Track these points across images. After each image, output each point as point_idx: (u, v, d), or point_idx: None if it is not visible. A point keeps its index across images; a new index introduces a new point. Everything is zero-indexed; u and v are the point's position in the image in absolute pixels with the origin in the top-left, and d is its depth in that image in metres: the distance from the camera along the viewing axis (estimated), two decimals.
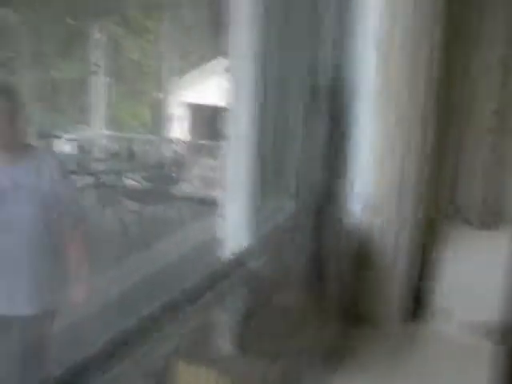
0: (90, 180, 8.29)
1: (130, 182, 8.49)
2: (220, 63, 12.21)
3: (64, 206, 2.89)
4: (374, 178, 1.58)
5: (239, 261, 1.31)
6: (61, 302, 2.90)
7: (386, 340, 1.56)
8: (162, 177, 8.31)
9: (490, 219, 1.67)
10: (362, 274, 1.58)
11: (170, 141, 9.84)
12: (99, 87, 10.85)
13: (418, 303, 1.68)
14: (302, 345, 1.29)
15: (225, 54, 1.82)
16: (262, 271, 1.31)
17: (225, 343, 1.25)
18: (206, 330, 1.27)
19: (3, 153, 2.76)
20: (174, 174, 8.40)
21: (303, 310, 1.29)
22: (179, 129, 12.80)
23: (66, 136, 9.63)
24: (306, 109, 1.71)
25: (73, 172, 5.41)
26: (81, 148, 7.74)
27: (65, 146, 9.37)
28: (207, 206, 7.84)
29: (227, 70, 1.87)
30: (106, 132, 10.68)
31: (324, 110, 1.71)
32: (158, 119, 11.39)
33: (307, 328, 1.29)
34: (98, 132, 10.49)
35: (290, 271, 1.39)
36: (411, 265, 1.61)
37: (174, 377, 1.09)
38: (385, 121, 1.51)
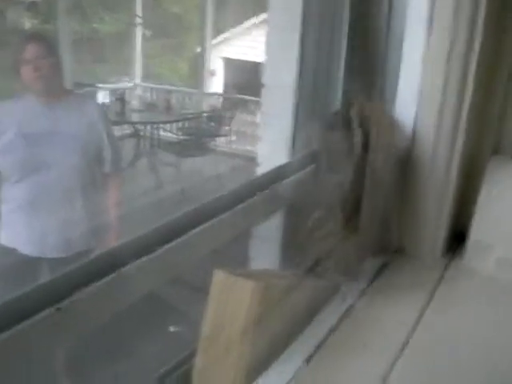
0: (127, 130, 8.36)
1: (166, 134, 8.53)
2: (260, 19, 12.10)
3: (102, 150, 2.92)
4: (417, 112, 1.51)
5: (277, 174, 1.28)
6: (95, 244, 2.95)
7: (422, 272, 1.51)
8: (199, 130, 8.30)
9: None
10: (405, 205, 1.53)
11: (208, 95, 9.79)
12: (140, 40, 10.82)
13: (460, 239, 1.62)
14: (336, 262, 1.26)
15: (265, 8, 1.76)
16: (300, 187, 1.28)
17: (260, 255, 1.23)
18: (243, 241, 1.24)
19: (43, 97, 2.80)
20: (211, 128, 8.37)
21: (340, 229, 1.25)
22: (218, 83, 12.76)
23: (106, 86, 9.68)
24: (347, 46, 1.65)
25: (111, 121, 5.42)
26: (120, 99, 7.73)
27: (104, 96, 9.42)
28: (244, 160, 7.88)
29: (266, 21, 1.83)
30: (145, 84, 10.69)
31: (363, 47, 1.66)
32: (196, 73, 11.33)
33: (343, 246, 1.26)
34: (137, 83, 10.50)
35: (327, 196, 1.34)
36: (455, 198, 1.55)
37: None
38: (434, 46, 1.43)
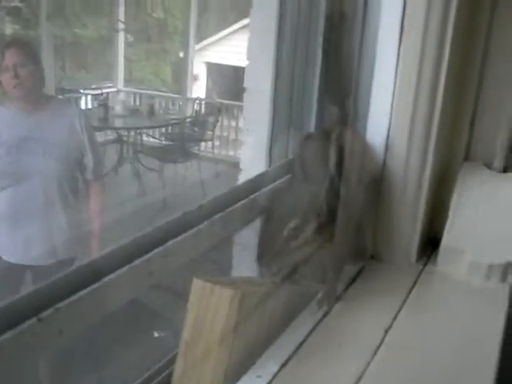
0: (110, 136, 8.37)
1: (149, 140, 8.55)
2: (242, 24, 12.15)
3: (84, 157, 2.93)
4: (390, 114, 1.55)
5: (255, 183, 1.32)
6: (78, 252, 2.96)
7: (396, 277, 1.56)
8: (182, 135, 8.33)
9: None
10: (380, 209, 1.57)
11: (191, 100, 9.82)
12: (123, 45, 10.83)
13: (434, 245, 1.67)
14: (312, 270, 1.30)
15: (247, 13, 1.81)
16: (276, 196, 1.32)
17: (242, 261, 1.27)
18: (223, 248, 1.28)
19: (22, 104, 2.81)
20: (194, 133, 8.40)
21: (315, 238, 1.29)
22: (201, 88, 12.79)
23: (89, 92, 9.68)
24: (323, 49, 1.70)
25: (94, 127, 5.44)
26: (103, 104, 7.75)
27: (87, 101, 9.42)
28: (227, 165, 7.93)
29: (249, 27, 1.88)
30: (128, 89, 10.71)
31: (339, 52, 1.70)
32: (179, 78, 11.36)
33: (319, 254, 1.30)
34: (120, 89, 10.51)
35: (302, 205, 1.38)
36: (428, 205, 1.60)
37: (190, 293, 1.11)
38: (405, 57, 1.48)
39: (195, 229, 1.11)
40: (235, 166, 1.89)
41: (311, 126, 1.77)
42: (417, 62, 1.48)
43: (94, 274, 0.92)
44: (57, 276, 0.89)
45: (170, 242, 1.04)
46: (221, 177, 7.53)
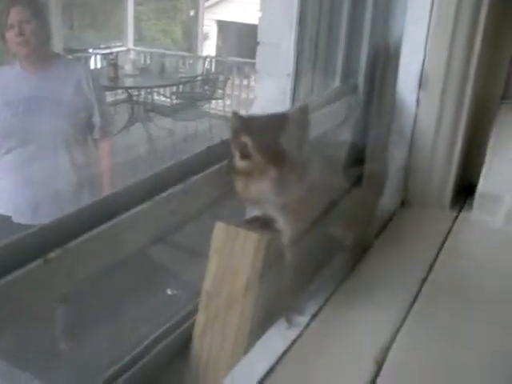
0: (121, 95, 8.25)
1: (160, 98, 8.42)
2: None
3: (92, 116, 2.85)
4: (425, 56, 1.43)
5: None
6: None
7: (429, 224, 1.46)
8: (193, 94, 8.19)
9: None
10: (412, 152, 1.46)
11: (202, 58, 9.64)
12: (132, 3, 10.61)
13: (467, 191, 1.56)
14: (341, 220, 1.19)
15: None
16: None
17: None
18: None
19: (28, 62, 2.73)
20: (205, 92, 8.26)
21: (344, 188, 1.19)
22: (211, 47, 12.58)
23: (98, 51, 9.53)
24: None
25: (104, 87, 5.33)
26: (113, 64, 7.59)
27: (97, 61, 9.28)
28: None
29: None
30: (138, 48, 10.52)
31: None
32: (190, 37, 11.16)
33: (348, 202, 1.19)
34: (130, 48, 10.33)
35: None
36: (464, 148, 1.49)
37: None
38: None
39: (217, 165, 1.00)
40: None
41: (335, 81, 1.66)
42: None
43: (109, 211, 0.82)
44: (68, 213, 0.79)
45: (193, 178, 0.93)
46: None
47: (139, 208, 0.84)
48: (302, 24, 1.57)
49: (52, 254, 0.74)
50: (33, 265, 0.72)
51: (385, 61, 1.54)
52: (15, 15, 2.64)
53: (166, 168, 0.97)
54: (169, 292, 3.84)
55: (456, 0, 1.35)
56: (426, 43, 1.40)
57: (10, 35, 2.64)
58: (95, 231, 0.79)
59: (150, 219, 0.90)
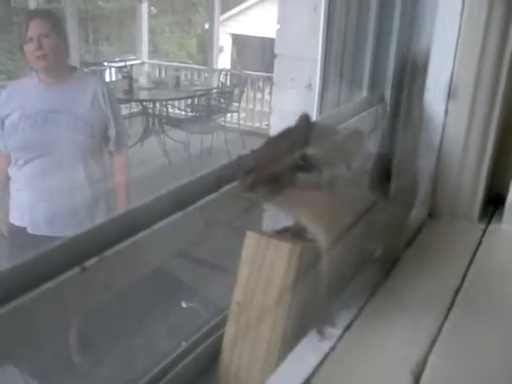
0: (135, 108, 8.28)
1: (175, 111, 8.44)
2: None
3: (108, 128, 2.86)
4: (454, 66, 1.41)
5: None
6: None
7: (458, 237, 1.43)
8: (208, 107, 8.20)
9: None
10: (440, 162, 1.44)
11: (217, 71, 9.67)
12: (146, 17, 10.68)
13: (495, 202, 1.54)
14: (370, 231, 1.17)
15: None
16: None
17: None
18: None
19: (47, 75, 2.75)
20: (220, 105, 8.27)
21: (373, 200, 1.17)
22: (225, 60, 12.62)
23: (113, 64, 9.58)
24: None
25: (119, 100, 5.34)
26: (127, 76, 7.63)
27: (112, 74, 9.33)
28: (254, 136, 7.80)
29: None
30: (153, 61, 10.58)
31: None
32: (204, 50, 11.20)
33: (378, 213, 1.17)
34: (145, 61, 10.38)
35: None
36: (493, 158, 1.46)
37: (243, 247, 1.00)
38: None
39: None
40: (261, 135, 1.77)
41: (362, 91, 1.65)
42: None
43: (142, 221, 0.81)
44: (102, 222, 0.78)
45: (225, 188, 0.92)
46: (247, 148, 7.40)
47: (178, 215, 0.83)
48: (328, 35, 1.56)
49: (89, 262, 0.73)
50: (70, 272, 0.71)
51: (412, 71, 1.53)
52: (34, 29, 2.65)
53: (197, 178, 0.96)
54: (184, 305, 3.83)
55: (486, 9, 1.33)
56: (456, 52, 1.39)
57: (29, 48, 2.66)
58: (132, 239, 0.78)
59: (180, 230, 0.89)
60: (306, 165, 0.91)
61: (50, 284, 0.69)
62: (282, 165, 0.90)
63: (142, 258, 0.81)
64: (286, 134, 0.97)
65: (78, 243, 0.74)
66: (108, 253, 0.75)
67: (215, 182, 0.93)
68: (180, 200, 0.86)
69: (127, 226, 0.79)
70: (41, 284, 0.68)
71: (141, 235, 0.79)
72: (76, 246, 0.74)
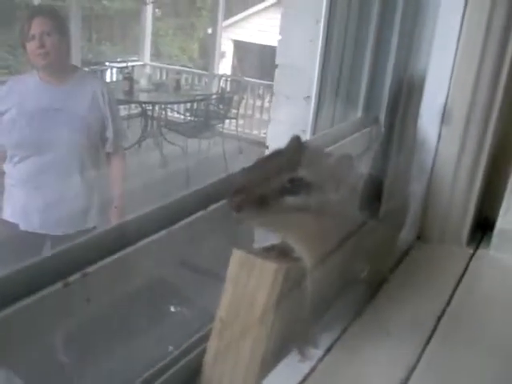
0: (134, 109, 8.28)
1: (174, 115, 8.45)
2: (270, 2, 11.98)
3: (106, 129, 2.86)
4: (449, 91, 1.42)
5: None
6: (99, 223, 2.89)
7: (446, 261, 1.44)
8: (207, 112, 8.21)
9: None
10: (430, 186, 1.45)
11: (218, 76, 9.68)
12: (150, 19, 10.69)
13: (483, 227, 1.55)
14: (358, 250, 1.18)
15: None
16: None
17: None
18: None
19: (48, 73, 2.75)
20: (219, 110, 8.28)
21: (363, 220, 1.17)
22: (227, 66, 12.64)
23: (115, 65, 9.59)
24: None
25: (118, 100, 5.35)
26: (128, 77, 7.63)
27: (113, 74, 9.34)
28: (251, 143, 7.81)
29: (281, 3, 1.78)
30: (154, 63, 10.59)
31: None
32: (206, 55, 11.23)
33: (367, 234, 1.18)
34: (147, 63, 10.39)
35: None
36: (483, 186, 1.47)
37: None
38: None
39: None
40: (259, 144, 1.78)
41: (357, 111, 1.66)
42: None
43: (127, 237, 0.81)
44: (85, 238, 0.78)
45: (213, 206, 0.92)
46: (244, 154, 7.41)
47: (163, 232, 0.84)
48: (327, 50, 1.57)
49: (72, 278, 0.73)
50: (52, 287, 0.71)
51: (408, 93, 1.53)
52: (37, 26, 2.65)
53: (185, 196, 0.96)
54: (172, 309, 3.81)
55: (483, 35, 1.35)
56: (451, 78, 1.40)
57: (31, 46, 2.66)
58: (116, 255, 0.78)
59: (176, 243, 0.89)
60: (293, 188, 0.92)
61: (31, 299, 0.69)
62: (269, 187, 0.91)
63: (125, 275, 0.81)
64: (276, 155, 0.98)
65: (61, 258, 0.74)
66: (91, 269, 0.75)
67: (203, 199, 0.94)
68: (166, 217, 0.87)
69: (112, 243, 0.79)
70: (22, 298, 0.68)
71: (125, 252, 0.80)
72: (59, 261, 0.74)
